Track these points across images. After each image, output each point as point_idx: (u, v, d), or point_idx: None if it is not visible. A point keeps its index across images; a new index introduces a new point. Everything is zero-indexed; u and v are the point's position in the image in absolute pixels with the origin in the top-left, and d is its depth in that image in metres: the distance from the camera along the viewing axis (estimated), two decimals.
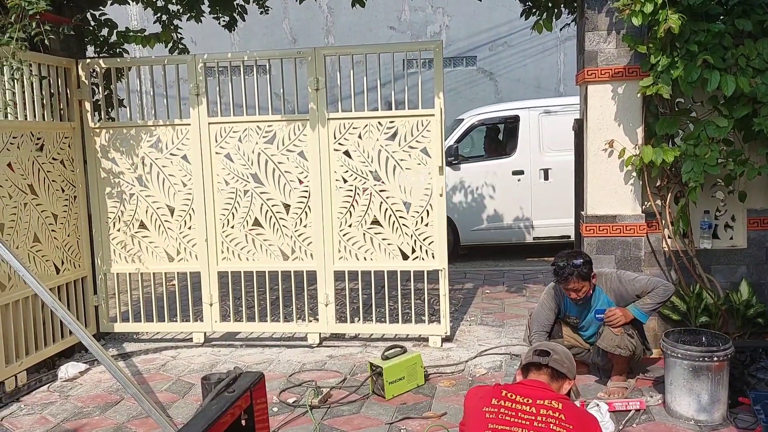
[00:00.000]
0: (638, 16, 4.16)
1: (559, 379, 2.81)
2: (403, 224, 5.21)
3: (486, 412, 2.67)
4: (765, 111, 4.22)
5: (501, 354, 5.02)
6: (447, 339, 5.36)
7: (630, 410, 3.89)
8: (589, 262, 4.16)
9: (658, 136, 4.56)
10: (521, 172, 8.07)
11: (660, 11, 4.12)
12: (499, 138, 9.09)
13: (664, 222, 4.72)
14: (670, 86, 4.32)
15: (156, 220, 5.48)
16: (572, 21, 6.13)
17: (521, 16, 6.37)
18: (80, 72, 5.41)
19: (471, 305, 6.55)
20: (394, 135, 5.16)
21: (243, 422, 2.32)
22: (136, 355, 5.34)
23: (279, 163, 5.30)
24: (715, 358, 3.67)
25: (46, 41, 4.54)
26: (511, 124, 8.63)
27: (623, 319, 4.11)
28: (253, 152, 5.31)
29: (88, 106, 5.45)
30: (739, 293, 4.62)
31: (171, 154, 5.41)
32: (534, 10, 6.18)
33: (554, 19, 6.09)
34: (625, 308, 4.16)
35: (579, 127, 5.30)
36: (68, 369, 4.90)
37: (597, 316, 4.26)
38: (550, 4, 6.00)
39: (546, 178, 8.24)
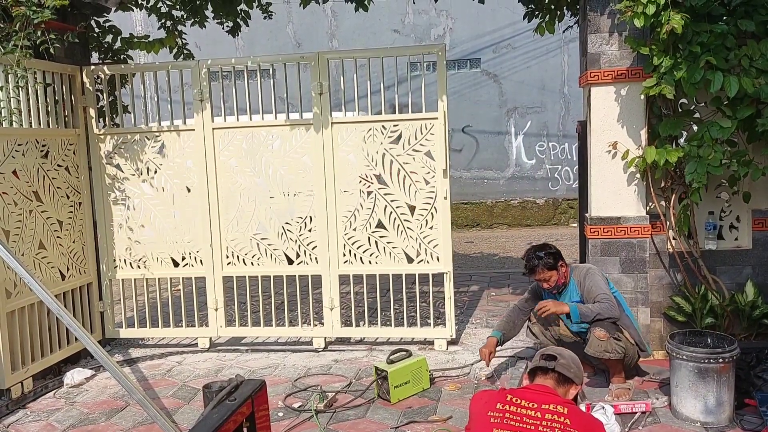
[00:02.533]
0: (640, 17, 4.15)
1: (566, 384, 2.81)
2: (408, 227, 5.21)
3: (491, 417, 2.67)
4: None
5: (506, 357, 5.01)
6: (452, 342, 5.36)
7: (636, 412, 3.88)
8: (553, 253, 4.30)
9: (661, 138, 4.54)
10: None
11: (662, 12, 4.12)
12: None
13: (668, 223, 4.70)
14: (673, 87, 4.30)
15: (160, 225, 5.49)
16: (575, 23, 6.13)
17: (524, 18, 6.37)
18: (85, 79, 5.44)
19: (476, 308, 6.54)
20: (398, 138, 5.17)
21: (245, 430, 2.33)
22: (142, 361, 5.35)
23: (283, 167, 5.30)
24: (721, 360, 3.65)
25: (50, 49, 4.58)
26: None
27: (551, 308, 4.17)
28: (256, 157, 5.32)
29: (92, 112, 5.48)
30: (745, 294, 4.60)
31: (175, 159, 5.43)
32: (536, 13, 6.17)
33: (557, 22, 6.08)
34: (563, 303, 4.24)
35: (582, 129, 5.30)
36: (74, 375, 4.92)
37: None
38: (552, 7, 6.00)
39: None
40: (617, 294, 4.38)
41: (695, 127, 4.54)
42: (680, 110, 4.62)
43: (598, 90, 4.73)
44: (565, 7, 5.98)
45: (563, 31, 6.74)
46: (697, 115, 4.59)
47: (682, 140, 4.67)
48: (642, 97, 4.58)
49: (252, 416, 2.34)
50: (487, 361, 4.40)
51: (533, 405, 2.65)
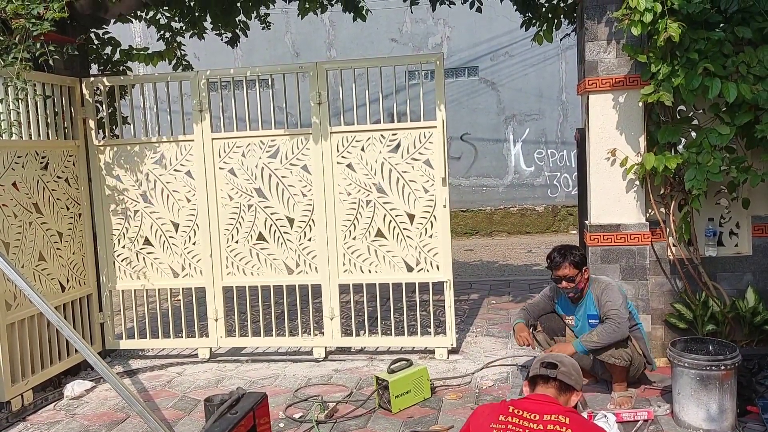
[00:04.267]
0: (637, 25, 4.17)
1: (567, 391, 2.79)
2: (408, 236, 5.21)
3: (493, 429, 2.67)
4: (767, 118, 4.22)
5: (508, 365, 5.01)
6: (453, 351, 5.34)
7: (638, 421, 3.87)
8: (582, 254, 4.30)
9: (660, 144, 4.55)
10: None
11: (659, 20, 4.13)
12: None
13: (668, 230, 4.70)
14: (671, 94, 4.32)
15: (160, 236, 5.49)
16: (572, 31, 6.15)
17: (521, 26, 6.38)
18: (84, 90, 5.46)
19: (477, 316, 6.53)
20: (397, 147, 5.18)
21: None
22: (142, 372, 5.33)
23: (282, 177, 5.31)
24: (722, 367, 3.65)
25: (50, 61, 4.59)
26: None
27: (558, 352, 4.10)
28: (256, 167, 5.33)
29: (92, 123, 5.48)
30: (746, 301, 4.60)
31: (175, 170, 5.44)
32: (534, 21, 6.19)
33: (554, 30, 6.10)
34: (568, 344, 4.19)
35: (581, 137, 5.31)
36: (74, 387, 4.90)
37: (590, 321, 4.29)
38: (549, 15, 6.02)
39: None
40: (631, 307, 4.36)
41: (694, 134, 4.55)
42: (678, 117, 4.63)
43: (597, 97, 4.75)
44: (562, 16, 6.00)
45: (560, 39, 6.75)
46: (695, 121, 4.61)
47: (680, 147, 4.68)
48: (640, 104, 4.60)
49: (253, 429, 2.33)
50: (531, 343, 4.32)
51: (535, 417, 2.64)
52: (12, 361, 4.54)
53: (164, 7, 6.19)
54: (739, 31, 4.26)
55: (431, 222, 5.17)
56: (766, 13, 4.25)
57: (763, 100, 4.17)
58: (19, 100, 4.67)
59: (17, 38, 4.50)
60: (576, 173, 5.59)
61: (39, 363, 4.84)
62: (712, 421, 3.69)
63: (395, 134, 5.18)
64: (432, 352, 5.33)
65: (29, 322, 4.74)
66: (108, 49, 5.93)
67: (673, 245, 4.71)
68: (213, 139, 5.37)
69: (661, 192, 4.69)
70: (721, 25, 4.36)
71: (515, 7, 6.19)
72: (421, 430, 3.98)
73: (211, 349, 5.59)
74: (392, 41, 13.99)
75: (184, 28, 6.52)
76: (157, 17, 6.37)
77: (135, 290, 5.63)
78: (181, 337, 5.71)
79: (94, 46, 5.82)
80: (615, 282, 4.42)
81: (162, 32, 6.47)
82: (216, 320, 5.49)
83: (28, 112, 4.87)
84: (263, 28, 6.80)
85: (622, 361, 4.11)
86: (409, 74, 5.58)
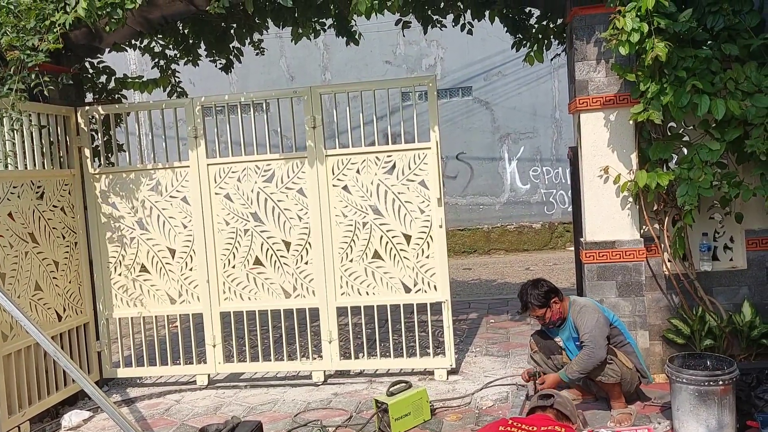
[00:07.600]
0: (625, 45, 4.21)
1: (564, 420, 3.04)
2: (405, 257, 5.23)
3: None
4: (756, 133, 4.26)
5: (507, 385, 4.99)
6: (452, 371, 5.33)
7: None
8: (546, 290, 4.28)
9: (652, 161, 4.59)
10: None
11: (646, 40, 4.18)
12: None
13: (663, 246, 4.72)
14: (660, 112, 4.36)
15: (157, 262, 5.50)
16: (562, 51, 6.22)
17: (512, 47, 6.46)
18: (79, 119, 5.49)
19: (476, 335, 6.52)
20: (392, 168, 5.22)
21: None
22: (140, 400, 5.30)
23: (278, 201, 5.34)
24: (720, 382, 3.64)
25: (45, 91, 4.63)
26: None
27: (549, 386, 4.13)
28: (252, 191, 5.36)
29: (87, 152, 5.51)
30: (742, 314, 4.60)
31: (171, 196, 5.46)
32: (524, 42, 6.27)
33: (545, 50, 6.18)
34: (556, 375, 4.23)
35: (574, 155, 5.35)
36: (72, 417, 4.87)
37: (576, 343, 4.30)
38: (539, 36, 6.10)
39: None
40: (618, 323, 4.36)
41: (685, 150, 4.59)
42: (669, 134, 4.67)
43: (588, 116, 4.79)
44: (552, 36, 6.08)
45: (551, 59, 6.83)
46: (686, 138, 4.65)
47: (672, 163, 4.72)
48: (631, 122, 4.64)
49: None
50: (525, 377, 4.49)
51: (533, 428, 2.84)
52: (9, 392, 4.51)
53: (158, 36, 6.26)
54: (726, 48, 4.32)
55: (428, 242, 5.18)
56: (752, 30, 4.32)
57: (752, 115, 4.21)
58: (15, 131, 4.70)
59: (12, 69, 4.55)
60: (570, 190, 5.62)
61: (36, 393, 4.81)
62: None
63: (390, 156, 5.22)
64: (431, 373, 5.32)
65: (26, 352, 4.72)
66: (103, 78, 5.98)
67: (668, 261, 4.73)
68: (208, 164, 5.40)
69: (655, 208, 4.72)
70: (708, 42, 4.41)
71: (506, 28, 6.27)
72: None
73: (209, 375, 5.57)
74: (386, 63, 14.11)
75: (178, 55, 6.58)
76: (152, 45, 6.43)
77: (132, 318, 5.62)
78: (179, 364, 5.68)
79: (89, 75, 5.87)
80: (592, 303, 4.37)
81: (156, 60, 6.53)
82: (214, 346, 5.48)
83: (23, 142, 4.89)
84: (257, 54, 6.87)
85: (611, 378, 4.13)
86: (403, 96, 5.63)
